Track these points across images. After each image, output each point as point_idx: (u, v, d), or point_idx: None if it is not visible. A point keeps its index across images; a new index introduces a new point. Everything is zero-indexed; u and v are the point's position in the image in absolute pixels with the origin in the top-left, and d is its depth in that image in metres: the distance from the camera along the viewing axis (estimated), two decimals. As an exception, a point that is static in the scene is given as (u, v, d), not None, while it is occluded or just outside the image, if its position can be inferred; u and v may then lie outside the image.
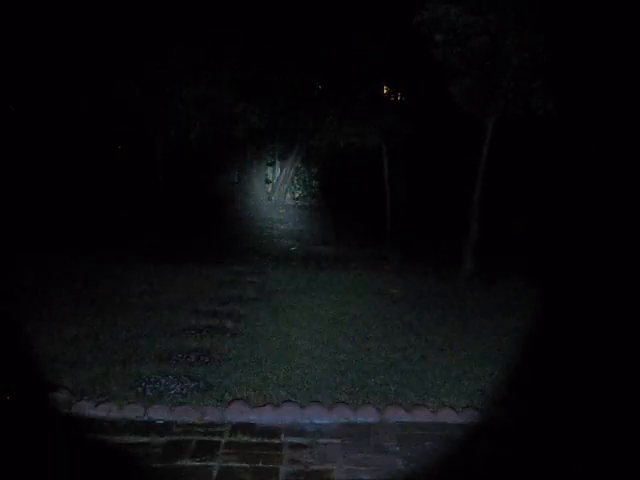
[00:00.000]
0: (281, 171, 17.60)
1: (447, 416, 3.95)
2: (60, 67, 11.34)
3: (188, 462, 3.35)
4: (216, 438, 3.62)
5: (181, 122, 11.82)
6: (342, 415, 3.92)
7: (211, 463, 3.33)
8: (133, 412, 3.88)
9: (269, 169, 18.02)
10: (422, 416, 3.95)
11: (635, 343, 5.44)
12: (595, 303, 6.96)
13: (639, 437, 3.71)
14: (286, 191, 17.85)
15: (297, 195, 18.49)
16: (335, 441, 3.63)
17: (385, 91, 15.44)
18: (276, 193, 17.64)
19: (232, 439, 3.61)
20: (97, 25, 10.94)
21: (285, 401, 4.09)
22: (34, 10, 10.66)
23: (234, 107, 12.26)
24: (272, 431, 3.72)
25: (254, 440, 3.61)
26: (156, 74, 11.10)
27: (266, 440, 3.61)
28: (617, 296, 7.22)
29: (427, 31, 7.69)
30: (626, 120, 8.69)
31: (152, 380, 4.43)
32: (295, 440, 3.63)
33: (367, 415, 3.93)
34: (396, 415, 3.94)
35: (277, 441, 3.61)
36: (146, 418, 3.84)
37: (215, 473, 3.25)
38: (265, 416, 3.88)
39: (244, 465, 3.33)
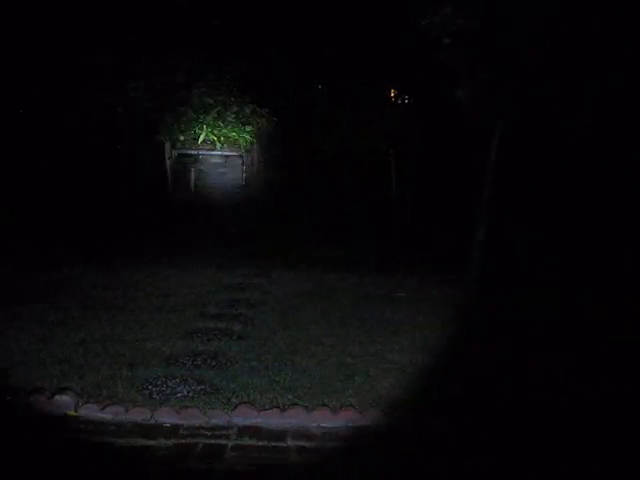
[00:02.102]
0: (289, 174, 17.58)
1: (454, 420, 3.92)
2: (66, 71, 11.40)
3: (194, 465, 3.34)
4: (222, 441, 3.61)
5: (189, 126, 11.85)
6: (349, 419, 3.90)
7: (217, 466, 3.33)
8: (140, 415, 3.87)
9: (276, 172, 18.00)
10: (429, 420, 3.92)
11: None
12: (602, 303, 6.92)
13: None
14: (293, 194, 17.80)
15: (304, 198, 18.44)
16: (342, 445, 3.61)
17: (393, 94, 15.43)
18: (283, 196, 17.60)
19: (238, 442, 3.60)
20: (104, 30, 11.00)
21: (292, 404, 4.08)
22: (43, 14, 10.74)
23: (243, 109, 12.29)
24: (278, 434, 3.71)
25: (260, 443, 3.60)
26: (164, 79, 11.14)
27: (272, 443, 3.60)
28: (621, 298, 7.18)
29: (435, 34, 7.68)
30: (636, 120, 8.63)
31: (159, 383, 4.43)
32: (301, 444, 3.61)
33: (374, 419, 3.91)
34: (403, 419, 3.91)
35: (283, 444, 3.60)
36: (153, 421, 3.83)
37: (221, 476, 3.24)
38: (271, 419, 3.87)
39: (250, 469, 3.32)
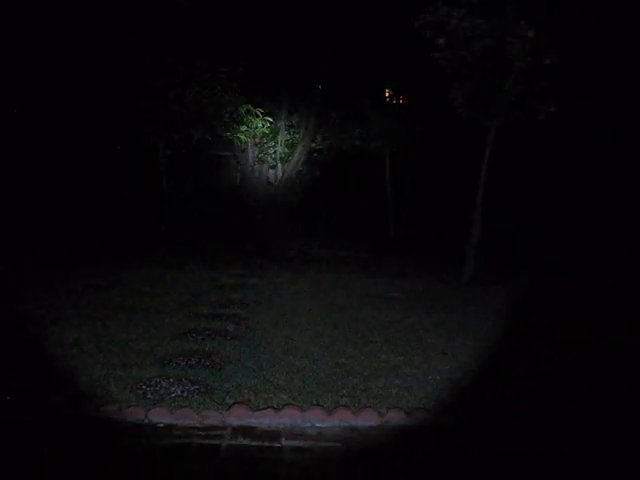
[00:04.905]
0: (283, 174, 17.59)
1: (448, 420, 3.93)
2: (65, 71, 11.39)
3: (188, 466, 3.33)
4: (216, 441, 3.60)
5: (184, 126, 11.83)
6: (343, 419, 3.90)
7: (211, 467, 3.32)
8: (134, 415, 3.86)
9: (271, 172, 18.01)
10: (423, 420, 3.93)
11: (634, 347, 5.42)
12: (595, 303, 6.96)
13: None
14: (287, 194, 17.80)
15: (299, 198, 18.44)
16: (336, 445, 3.61)
17: (387, 94, 15.46)
18: (278, 196, 17.60)
19: (232, 442, 3.60)
20: (102, 30, 10.99)
21: (286, 404, 4.08)
22: (43, 14, 10.73)
23: (237, 109, 12.29)
24: (273, 434, 3.71)
25: (254, 444, 3.59)
26: (159, 78, 11.11)
27: (267, 444, 3.60)
28: (616, 297, 7.21)
29: (429, 34, 7.69)
30: (628, 122, 8.68)
31: (153, 383, 4.41)
32: (296, 444, 3.61)
33: (368, 419, 3.92)
34: (397, 419, 3.92)
35: (278, 445, 3.59)
36: (147, 421, 3.82)
37: (215, 477, 3.23)
38: (266, 419, 3.87)
39: (244, 469, 3.31)
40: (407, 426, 3.85)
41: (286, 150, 16.49)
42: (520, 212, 11.68)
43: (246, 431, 3.73)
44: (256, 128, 12.96)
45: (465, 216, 8.47)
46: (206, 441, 3.60)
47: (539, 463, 3.46)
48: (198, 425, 3.79)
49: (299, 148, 16.31)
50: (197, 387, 4.38)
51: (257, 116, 12.84)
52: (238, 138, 12.81)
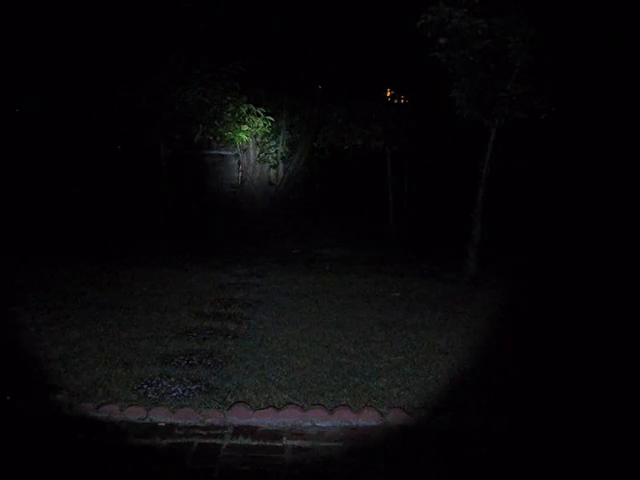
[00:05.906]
0: (284, 173, 17.60)
1: (449, 420, 3.93)
2: (66, 71, 11.39)
3: (189, 465, 3.33)
4: (217, 441, 3.60)
5: (185, 126, 11.82)
6: (344, 418, 3.91)
7: (212, 466, 3.32)
8: (135, 414, 3.87)
9: (272, 171, 18.02)
10: (423, 420, 3.93)
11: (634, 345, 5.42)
12: (596, 303, 6.95)
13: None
14: (289, 193, 17.81)
15: (300, 197, 18.45)
16: (337, 444, 3.61)
17: (389, 94, 15.47)
18: (279, 195, 17.62)
19: (233, 442, 3.60)
20: (102, 29, 10.99)
21: (287, 404, 4.08)
22: (43, 13, 10.73)
23: (239, 109, 12.28)
24: (274, 434, 3.71)
25: (255, 443, 3.60)
26: (160, 78, 11.10)
27: (268, 443, 3.60)
28: (616, 296, 7.20)
29: (430, 34, 7.69)
30: (628, 122, 8.67)
31: (154, 382, 4.42)
32: (297, 443, 3.61)
33: (369, 418, 3.92)
34: (398, 418, 3.92)
35: (279, 444, 3.60)
36: (148, 420, 3.83)
37: (216, 476, 3.23)
38: (267, 419, 3.87)
39: (245, 468, 3.31)
40: (408, 426, 3.85)
41: (287, 149, 16.50)
42: (522, 212, 11.67)
43: (247, 430, 3.74)
44: (257, 127, 12.95)
45: (466, 215, 8.46)
46: (207, 440, 3.60)
47: (539, 463, 3.46)
48: (199, 424, 3.80)
49: (300, 147, 16.32)
50: (198, 386, 4.38)
51: (258, 115, 12.84)
52: (239, 138, 12.79)
